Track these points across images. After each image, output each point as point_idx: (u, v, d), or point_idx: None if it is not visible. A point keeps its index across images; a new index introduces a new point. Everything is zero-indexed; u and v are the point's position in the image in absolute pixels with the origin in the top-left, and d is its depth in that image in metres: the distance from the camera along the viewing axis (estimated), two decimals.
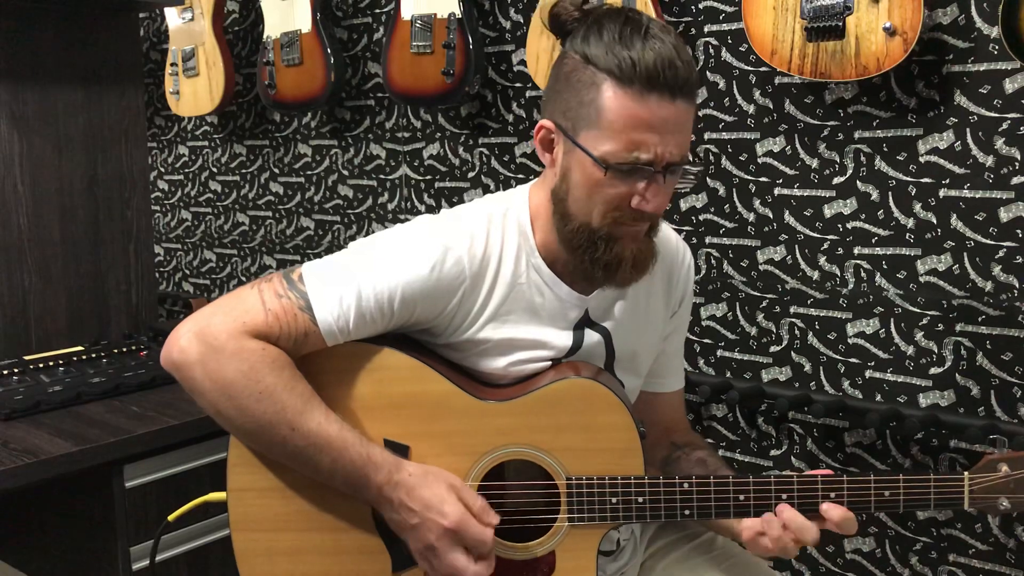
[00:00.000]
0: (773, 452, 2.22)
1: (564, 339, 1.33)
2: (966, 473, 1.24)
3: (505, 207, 1.33)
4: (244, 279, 3.41)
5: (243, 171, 3.35)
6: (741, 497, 1.26)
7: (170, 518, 1.43)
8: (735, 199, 2.20)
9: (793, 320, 2.16)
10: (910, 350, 2.00)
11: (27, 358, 2.05)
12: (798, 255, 2.14)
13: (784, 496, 1.25)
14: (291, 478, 1.29)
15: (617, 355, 1.38)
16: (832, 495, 1.25)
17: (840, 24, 1.87)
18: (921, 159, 1.96)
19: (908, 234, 1.98)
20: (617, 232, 1.24)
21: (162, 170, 3.66)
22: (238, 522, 1.31)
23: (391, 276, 1.24)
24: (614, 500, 1.27)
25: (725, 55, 2.19)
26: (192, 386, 1.23)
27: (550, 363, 1.33)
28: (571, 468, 1.27)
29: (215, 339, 1.21)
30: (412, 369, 1.28)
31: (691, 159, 1.26)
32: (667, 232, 1.43)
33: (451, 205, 2.73)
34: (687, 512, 1.27)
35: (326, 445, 1.22)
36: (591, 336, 1.35)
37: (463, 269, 1.26)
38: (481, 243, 1.28)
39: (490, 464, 1.29)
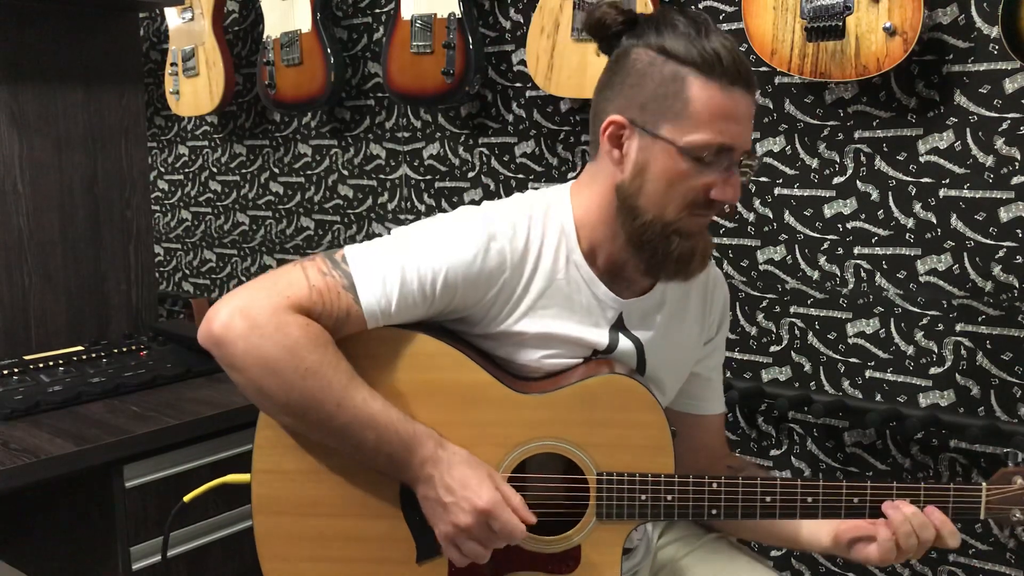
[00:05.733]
0: (773, 452, 2.22)
1: (601, 337, 1.33)
2: (984, 483, 1.27)
3: (547, 204, 1.33)
4: (244, 279, 3.41)
5: (243, 171, 3.35)
6: (768, 499, 1.27)
7: (185, 499, 1.41)
8: None
9: (793, 320, 2.16)
10: (910, 350, 2.00)
11: (27, 358, 2.05)
12: (798, 255, 2.14)
13: (810, 499, 1.27)
14: (321, 463, 1.28)
15: (648, 370, 1.38)
16: (856, 500, 1.26)
17: (840, 24, 1.87)
18: (921, 159, 1.96)
19: (908, 234, 1.98)
20: (690, 225, 1.26)
21: (162, 170, 3.66)
22: (262, 504, 1.29)
23: (435, 259, 1.24)
24: (643, 497, 1.27)
25: None
26: (233, 363, 1.20)
27: (582, 360, 1.33)
28: (602, 464, 1.28)
29: (259, 314, 1.18)
30: (448, 356, 1.28)
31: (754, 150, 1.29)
32: None
33: (451, 205, 2.74)
34: (714, 512, 1.28)
35: (371, 421, 1.20)
36: (624, 342, 1.35)
37: (505, 259, 1.27)
38: (523, 235, 1.28)
39: (521, 456, 1.29)
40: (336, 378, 1.20)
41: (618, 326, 1.34)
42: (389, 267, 1.23)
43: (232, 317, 1.19)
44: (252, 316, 1.18)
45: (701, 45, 1.21)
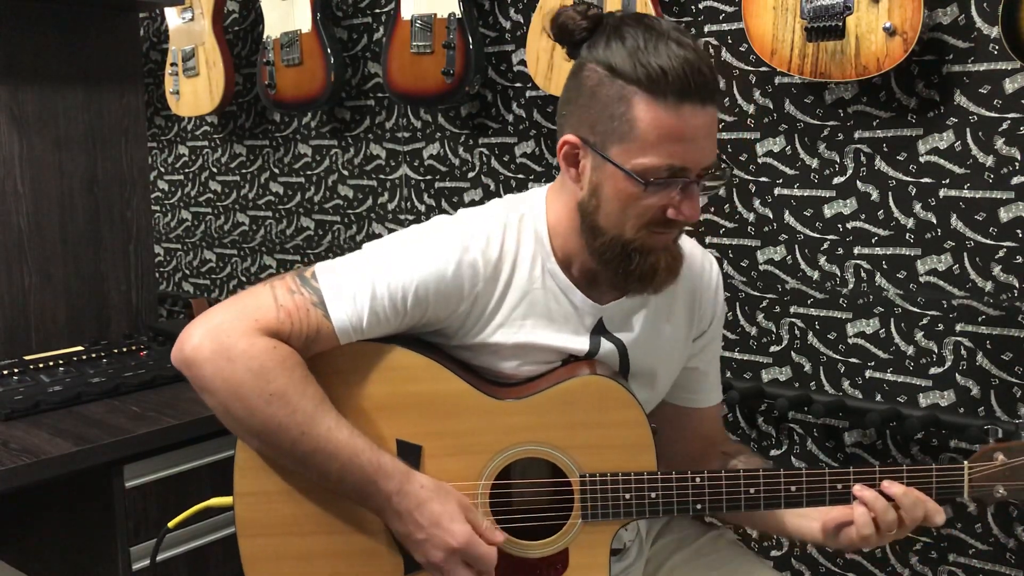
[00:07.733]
0: (773, 452, 2.22)
1: (581, 343, 1.32)
2: (966, 462, 1.27)
3: (521, 212, 1.31)
4: (244, 279, 3.41)
5: (243, 171, 3.35)
6: (751, 490, 1.27)
7: (170, 525, 1.42)
8: (735, 199, 2.20)
9: (793, 320, 2.16)
10: (910, 350, 2.00)
11: (27, 358, 2.05)
12: (798, 255, 2.14)
13: (793, 488, 1.26)
14: (300, 481, 1.27)
15: (633, 369, 1.36)
16: (839, 486, 1.26)
17: (840, 24, 1.87)
18: (921, 159, 1.96)
19: (908, 234, 1.98)
20: (650, 242, 1.23)
21: (162, 170, 3.66)
22: (245, 527, 1.29)
23: (406, 273, 1.23)
24: (627, 496, 1.27)
25: (725, 55, 2.19)
26: (202, 384, 1.21)
27: (561, 363, 1.32)
28: (584, 465, 1.28)
29: (227, 337, 1.19)
30: (425, 368, 1.28)
31: (720, 162, 1.24)
32: (691, 249, 1.41)
33: (451, 205, 2.74)
34: (699, 507, 1.28)
35: (335, 451, 1.20)
36: (606, 345, 1.33)
37: (477, 271, 1.25)
38: (496, 246, 1.27)
39: (504, 463, 1.28)
40: (301, 404, 1.19)
41: (599, 330, 1.33)
42: (359, 282, 1.23)
43: (203, 339, 1.20)
44: (220, 339, 1.19)
45: (647, 60, 1.14)
